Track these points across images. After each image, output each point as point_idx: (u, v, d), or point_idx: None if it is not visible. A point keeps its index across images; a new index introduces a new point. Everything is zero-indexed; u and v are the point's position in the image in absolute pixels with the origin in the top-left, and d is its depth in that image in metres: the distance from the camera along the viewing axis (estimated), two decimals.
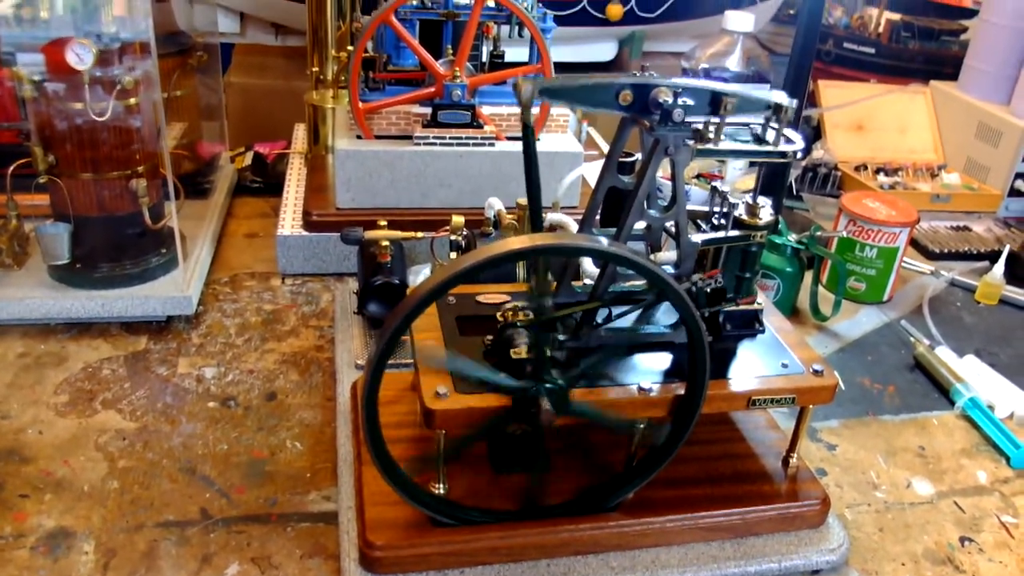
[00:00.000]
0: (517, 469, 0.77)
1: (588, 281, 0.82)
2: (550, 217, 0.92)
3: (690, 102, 0.69)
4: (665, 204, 0.74)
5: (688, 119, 0.69)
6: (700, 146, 0.71)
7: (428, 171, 1.16)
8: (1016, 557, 0.79)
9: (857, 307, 1.22)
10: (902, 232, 1.18)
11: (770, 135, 0.75)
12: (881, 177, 1.60)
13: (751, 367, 0.76)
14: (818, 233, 1.12)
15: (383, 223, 1.02)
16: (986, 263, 1.37)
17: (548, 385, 0.66)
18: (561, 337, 0.74)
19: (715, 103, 0.71)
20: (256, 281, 1.16)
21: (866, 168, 1.62)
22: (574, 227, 0.93)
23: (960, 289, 1.30)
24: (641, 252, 0.76)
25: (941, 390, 1.03)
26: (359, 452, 0.79)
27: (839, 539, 0.77)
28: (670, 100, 0.68)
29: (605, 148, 1.59)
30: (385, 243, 1.00)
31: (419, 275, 1.10)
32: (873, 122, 1.72)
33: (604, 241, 0.62)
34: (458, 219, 0.97)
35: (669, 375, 0.73)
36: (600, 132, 1.66)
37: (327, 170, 1.30)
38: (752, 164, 1.56)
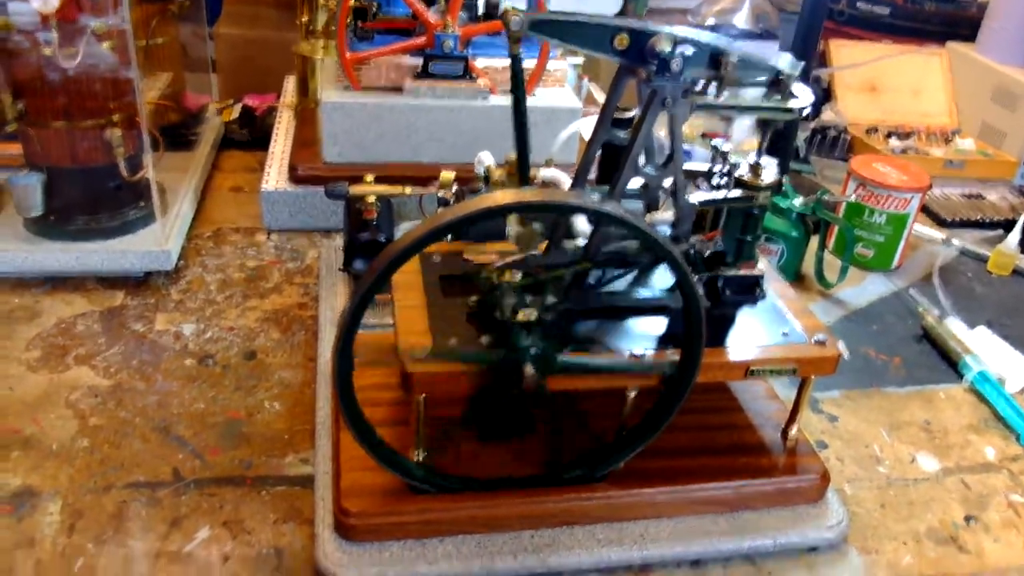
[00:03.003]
0: (503, 436, 0.73)
1: (582, 241, 0.78)
2: (543, 173, 0.87)
3: (689, 52, 0.64)
4: (663, 161, 0.70)
5: (688, 73, 0.64)
6: (699, 100, 0.66)
7: (418, 125, 1.12)
8: (1022, 537, 0.76)
9: (864, 274, 1.17)
10: (913, 198, 1.13)
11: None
12: (893, 141, 1.54)
13: (750, 335, 0.72)
14: (825, 197, 1.07)
15: (370, 178, 0.97)
16: (999, 232, 1.32)
17: (532, 350, 0.62)
18: (551, 299, 0.70)
19: (715, 61, 0.66)
20: (240, 236, 1.12)
21: (877, 131, 1.56)
22: (567, 184, 0.88)
23: (971, 259, 1.25)
24: (635, 211, 0.72)
25: (949, 362, 0.99)
26: (338, 415, 0.76)
27: (838, 516, 0.73)
28: (668, 49, 0.63)
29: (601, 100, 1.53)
30: (371, 199, 0.96)
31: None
32: (886, 84, 1.66)
33: (593, 198, 0.57)
34: (447, 174, 0.93)
35: (663, 341, 0.69)
36: (602, 87, 1.60)
37: (316, 124, 1.25)
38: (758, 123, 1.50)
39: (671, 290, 0.73)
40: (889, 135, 1.56)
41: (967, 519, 0.78)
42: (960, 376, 0.97)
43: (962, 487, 0.81)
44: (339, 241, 1.10)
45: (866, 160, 1.19)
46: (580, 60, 1.42)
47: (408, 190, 0.98)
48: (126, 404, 0.80)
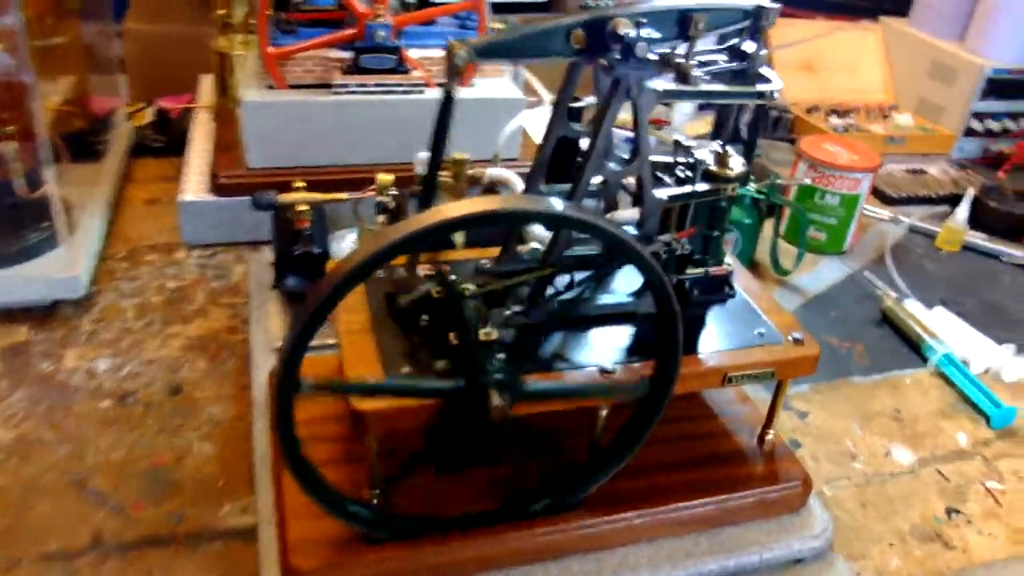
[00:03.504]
0: (464, 466, 0.67)
1: (536, 245, 0.72)
2: (490, 172, 0.81)
3: (655, 34, 0.58)
4: (626, 156, 0.64)
5: (653, 53, 0.59)
6: (668, 86, 0.61)
7: (350, 123, 1.04)
8: (1005, 528, 0.74)
9: (817, 258, 1.14)
10: (865, 178, 1.10)
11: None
12: (833, 119, 1.52)
13: (723, 338, 0.67)
14: (778, 181, 1.04)
15: (300, 184, 0.89)
16: (945, 208, 1.31)
17: (497, 376, 0.56)
18: (509, 312, 0.64)
19: (683, 23, 0.60)
20: (158, 254, 1.02)
21: (818, 110, 1.54)
22: (519, 183, 0.82)
23: (920, 236, 1.24)
24: (599, 213, 0.66)
25: (911, 346, 0.97)
26: (277, 461, 0.68)
27: (822, 523, 0.69)
28: (632, 32, 0.57)
29: (544, 93, 1.47)
30: (303, 207, 0.88)
31: (343, 242, 0.98)
32: (822, 62, 1.64)
33: (558, 204, 0.51)
34: (385, 177, 0.85)
35: (632, 352, 0.64)
36: (538, 75, 1.54)
37: (237, 126, 1.15)
38: (702, 108, 1.47)
39: (637, 294, 0.68)
40: (829, 113, 1.54)
41: (948, 512, 0.75)
42: (924, 360, 0.94)
43: (939, 478, 0.79)
44: (269, 255, 1.01)
45: (815, 141, 1.16)
46: None
47: (343, 196, 0.91)
48: (33, 459, 0.71)
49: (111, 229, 1.06)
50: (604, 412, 0.63)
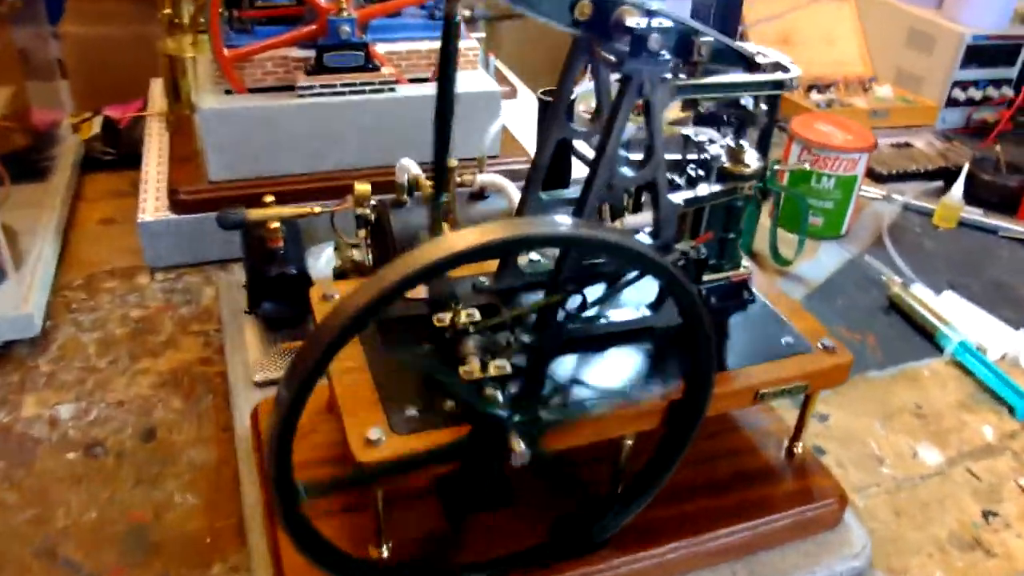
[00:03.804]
0: (475, 512, 0.61)
1: (536, 257, 0.66)
2: (481, 179, 0.75)
3: (667, 22, 0.52)
4: (634, 157, 0.58)
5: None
6: (683, 82, 0.55)
7: (318, 128, 0.96)
8: None
9: (815, 245, 1.10)
10: (861, 158, 1.06)
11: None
12: (814, 95, 1.48)
13: (748, 350, 0.62)
14: (776, 167, 0.99)
15: (270, 198, 0.82)
16: (937, 183, 1.28)
17: (516, 417, 0.50)
18: (516, 340, 0.58)
19: (685, 43, 0.55)
20: (118, 280, 0.94)
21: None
22: (512, 190, 0.76)
23: (916, 214, 1.21)
24: (626, 232, 0.60)
25: (922, 333, 0.93)
26: (270, 512, 0.62)
27: (861, 539, 0.65)
28: (642, 24, 0.51)
29: (517, 83, 1.40)
30: (275, 224, 0.81)
31: (319, 258, 0.91)
32: (798, 35, 1.59)
33: (591, 227, 0.45)
34: (363, 187, 0.79)
35: (655, 373, 0.58)
36: (511, 64, 1.47)
37: (194, 135, 1.07)
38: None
39: (654, 307, 0.62)
40: (809, 88, 1.50)
41: (985, 515, 0.71)
42: (939, 349, 0.91)
43: (970, 478, 0.75)
44: (239, 274, 0.94)
45: (805, 120, 1.11)
46: (484, 34, 1.29)
47: (317, 209, 0.84)
48: None
49: (64, 255, 0.97)
50: (630, 441, 0.58)
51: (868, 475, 0.74)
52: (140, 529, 0.64)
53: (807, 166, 1.04)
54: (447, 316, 0.57)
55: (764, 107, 0.64)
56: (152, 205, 0.96)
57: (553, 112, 0.60)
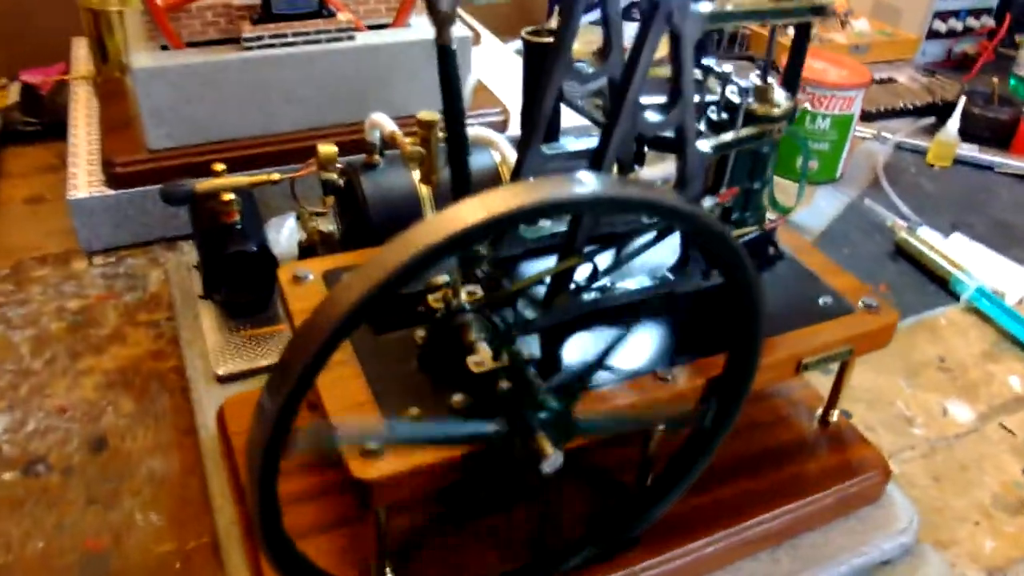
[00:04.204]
0: (488, 513, 0.54)
1: (543, 224, 0.58)
2: (469, 132, 0.65)
3: None
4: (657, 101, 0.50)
5: None
6: (713, 7, 0.47)
7: (269, 84, 0.86)
8: None
9: (811, 190, 1.04)
10: (857, 95, 0.99)
11: None
12: (791, 30, 1.40)
13: (784, 314, 0.55)
14: None
15: (220, 167, 0.72)
16: (927, 120, 1.23)
17: (543, 413, 0.42)
18: (525, 317, 0.50)
19: None
20: (50, 268, 0.83)
21: None
22: (504, 144, 0.67)
23: (909, 153, 1.15)
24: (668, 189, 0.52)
25: (935, 279, 0.88)
26: (249, 527, 0.53)
27: (907, 512, 0.59)
28: None
29: (482, 31, 1.30)
30: (228, 196, 0.71)
31: (280, 231, 0.81)
32: None
33: (636, 186, 0.37)
34: (328, 148, 0.69)
35: (686, 347, 0.51)
36: (473, 12, 1.36)
37: (128, 99, 0.96)
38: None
39: (676, 269, 0.55)
40: (786, 25, 1.42)
41: None
42: (954, 296, 0.85)
43: (1005, 434, 0.70)
44: (189, 253, 0.84)
45: None
46: None
47: (275, 176, 0.74)
48: None
49: None
50: (662, 426, 0.50)
51: (900, 438, 0.69)
52: (97, 558, 0.55)
53: (807, 105, 0.97)
54: (442, 295, 0.48)
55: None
56: (84, 180, 0.85)
57: (556, 54, 0.51)
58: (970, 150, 1.13)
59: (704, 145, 0.51)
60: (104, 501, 0.59)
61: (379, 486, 0.41)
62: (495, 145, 0.66)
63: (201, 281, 0.73)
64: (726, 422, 0.49)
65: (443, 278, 0.49)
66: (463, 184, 0.49)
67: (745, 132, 0.54)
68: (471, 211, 0.33)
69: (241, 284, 0.71)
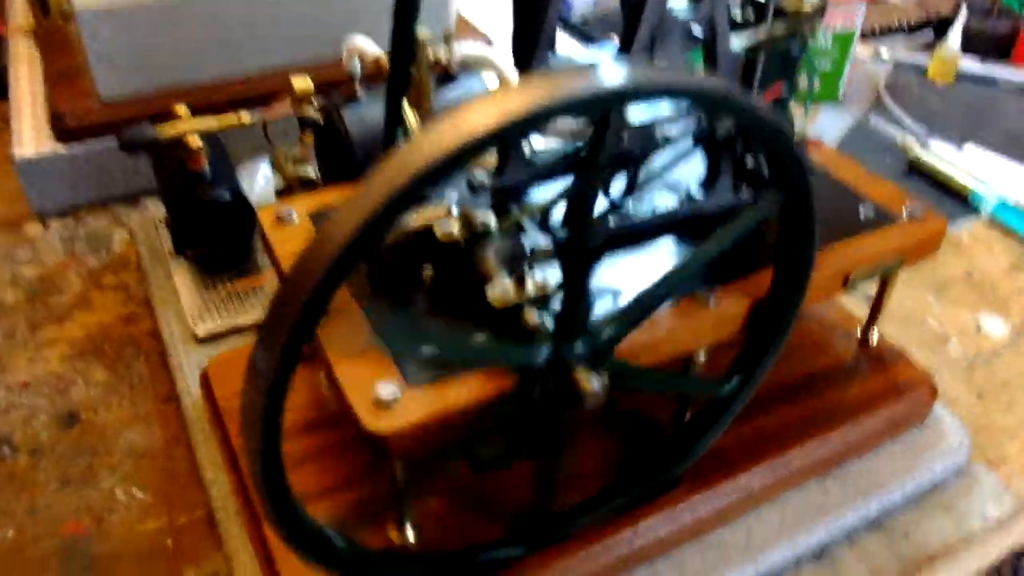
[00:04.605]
0: (506, 462, 0.48)
1: (552, 143, 0.52)
2: (461, 51, 0.59)
3: None
4: None
5: None
6: None
7: (229, 19, 0.78)
8: None
9: (813, 110, 0.98)
10: (859, 9, 0.94)
11: None
12: None
13: (824, 228, 0.49)
14: None
15: (182, 109, 0.65)
16: (923, 37, 1.17)
17: (584, 344, 0.37)
18: (547, 243, 0.44)
19: None
20: (2, 235, 0.76)
21: None
22: (502, 64, 0.61)
23: (909, 70, 1.10)
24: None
25: (953, 195, 0.83)
26: (247, 497, 0.48)
27: (957, 432, 0.55)
28: None
29: None
30: (194, 141, 0.64)
31: (254, 178, 0.74)
32: None
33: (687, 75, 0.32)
34: (303, 82, 0.63)
35: (724, 268, 0.46)
36: None
37: (73, 47, 0.87)
38: None
39: (706, 186, 0.49)
40: None
41: None
42: (974, 210, 0.81)
43: None
44: (156, 208, 0.77)
45: None
46: None
47: (246, 117, 0.67)
48: None
49: None
50: (703, 357, 0.45)
51: (938, 357, 0.64)
52: (78, 542, 0.50)
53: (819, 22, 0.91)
54: (453, 224, 0.42)
55: None
56: (30, 137, 0.77)
57: None
58: (971, 65, 1.08)
59: (734, 43, 0.46)
60: (80, 480, 0.53)
61: (396, 439, 0.36)
62: (493, 65, 0.59)
63: (171, 237, 0.67)
64: (776, 342, 0.44)
65: (450, 206, 0.43)
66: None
67: (777, 29, 0.48)
68: (484, 113, 0.28)
69: (215, 236, 0.65)
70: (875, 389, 0.54)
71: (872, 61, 1.11)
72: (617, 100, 0.30)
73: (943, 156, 0.85)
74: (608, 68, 0.30)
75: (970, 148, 0.88)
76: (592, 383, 0.36)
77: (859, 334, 0.58)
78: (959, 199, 0.82)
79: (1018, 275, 0.73)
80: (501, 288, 0.39)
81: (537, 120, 0.29)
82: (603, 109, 0.33)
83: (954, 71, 1.06)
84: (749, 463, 0.49)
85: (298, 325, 0.29)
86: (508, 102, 0.28)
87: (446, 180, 0.29)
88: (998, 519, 0.52)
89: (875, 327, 0.57)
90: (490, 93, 0.29)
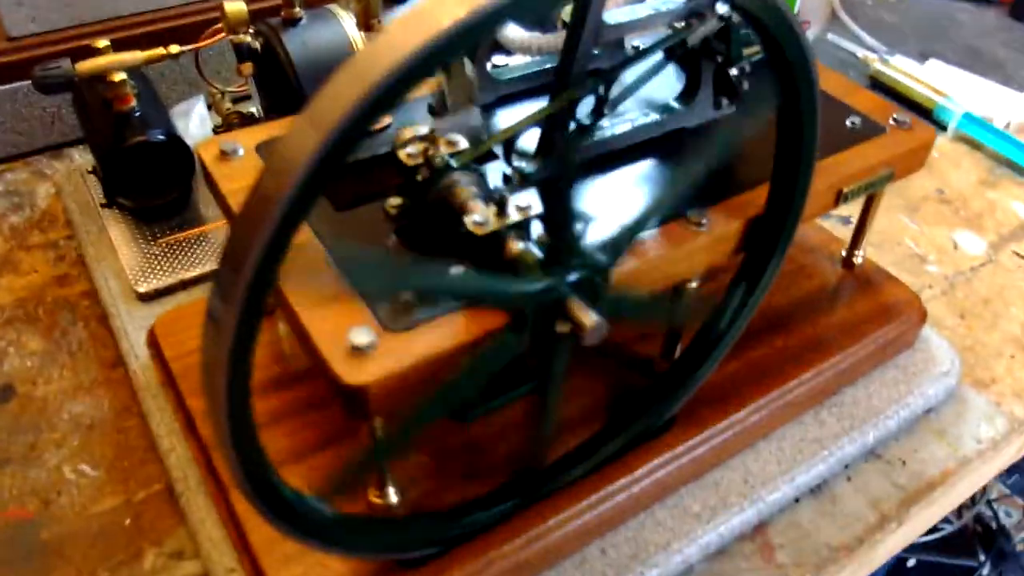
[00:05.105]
0: (492, 408, 0.45)
1: (515, 60, 0.48)
2: None
3: None
4: None
5: None
6: None
7: None
8: None
9: None
10: None
11: None
12: None
13: None
14: None
15: (103, 43, 0.59)
16: None
17: (577, 272, 0.33)
18: (523, 167, 0.40)
19: None
20: None
21: None
22: None
23: None
24: None
25: (916, 109, 0.81)
26: (210, 465, 0.44)
27: (946, 353, 0.54)
28: None
29: None
30: (119, 76, 0.58)
31: (190, 117, 0.68)
32: None
33: None
34: (235, 5, 0.57)
35: (713, 187, 0.42)
36: None
37: None
38: None
39: (685, 99, 0.46)
40: None
41: None
42: (939, 125, 0.79)
43: (1020, 261, 0.65)
44: (84, 158, 0.70)
45: None
46: None
47: (174, 48, 0.61)
48: None
49: None
50: (695, 283, 0.43)
51: (917, 278, 0.63)
52: (24, 527, 0.45)
53: None
54: (418, 149, 0.38)
55: None
56: None
57: None
58: None
59: None
60: (21, 460, 0.48)
61: (375, 391, 0.32)
62: None
63: (101, 187, 0.61)
64: (771, 265, 0.41)
65: (415, 130, 0.39)
66: None
67: None
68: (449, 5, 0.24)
69: (150, 183, 0.59)
70: (864, 313, 0.52)
71: None
72: None
73: (906, 71, 0.83)
74: None
75: (933, 63, 0.86)
76: (590, 315, 0.32)
77: (844, 256, 0.55)
78: (923, 114, 0.80)
79: (988, 190, 0.72)
80: (481, 214, 0.35)
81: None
82: None
83: None
84: (745, 398, 0.47)
85: (258, 271, 0.24)
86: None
87: (413, 86, 0.25)
88: (992, 440, 0.51)
89: (859, 248, 0.55)
90: None
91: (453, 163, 0.37)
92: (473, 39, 0.25)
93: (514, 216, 0.35)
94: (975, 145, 0.77)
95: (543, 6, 0.28)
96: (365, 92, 0.24)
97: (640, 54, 0.42)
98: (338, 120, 0.23)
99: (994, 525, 0.98)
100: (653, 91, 0.46)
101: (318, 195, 0.24)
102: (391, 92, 0.24)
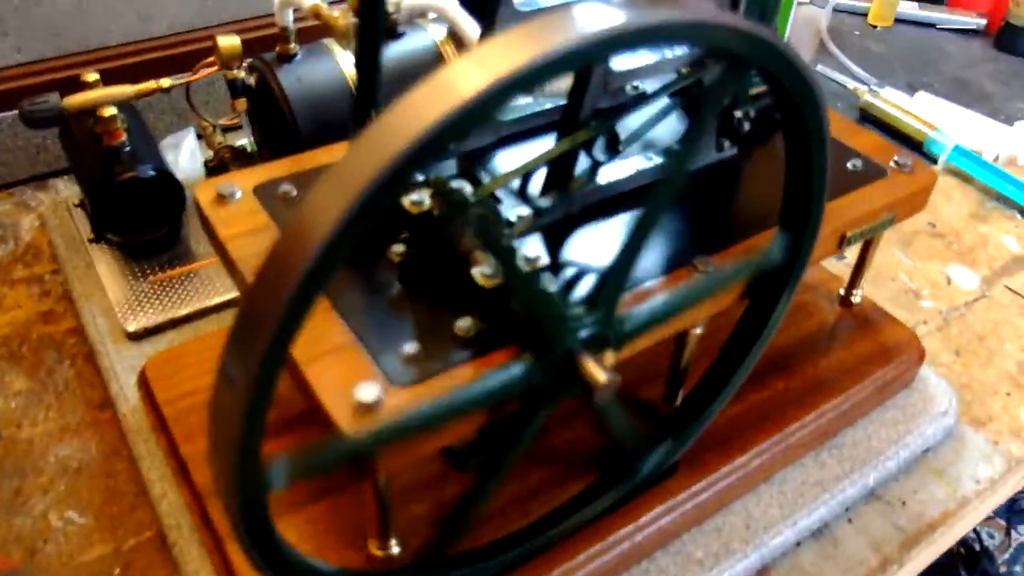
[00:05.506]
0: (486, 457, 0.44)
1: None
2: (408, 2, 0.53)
3: None
4: None
5: None
6: None
7: None
8: None
9: None
10: None
11: None
12: None
13: None
14: None
15: (92, 76, 0.58)
16: None
17: (585, 330, 0.33)
18: (528, 209, 0.40)
19: None
20: None
21: None
22: (457, 12, 0.55)
23: (848, 15, 1.08)
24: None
25: (906, 142, 0.82)
26: (204, 514, 0.43)
27: (944, 392, 0.54)
28: None
29: None
30: (109, 111, 0.56)
31: (180, 151, 0.67)
32: None
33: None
34: (229, 40, 0.56)
35: (718, 232, 0.42)
36: None
37: None
38: None
39: (687, 142, 0.46)
40: None
41: None
42: (929, 157, 0.80)
43: (1014, 296, 0.66)
44: (68, 190, 0.69)
45: None
46: None
47: (165, 82, 0.60)
48: None
49: None
50: (698, 330, 0.42)
51: (912, 314, 0.63)
52: None
53: None
54: (424, 196, 0.37)
55: None
56: None
57: None
58: (909, 7, 1.07)
59: None
60: (5, 506, 0.47)
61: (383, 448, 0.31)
62: (446, 15, 0.54)
63: (89, 221, 0.60)
64: (776, 311, 0.41)
65: (417, 176, 0.38)
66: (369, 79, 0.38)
67: None
68: (475, 73, 0.23)
69: (140, 219, 0.58)
70: (864, 353, 0.52)
71: (811, 6, 1.09)
72: (620, 43, 0.26)
73: (896, 103, 0.84)
74: (599, 9, 0.25)
75: (922, 95, 0.87)
76: (602, 373, 0.32)
77: (842, 295, 0.55)
78: (913, 147, 0.81)
79: (980, 223, 0.73)
80: (487, 268, 0.34)
81: (528, 80, 0.24)
82: (608, 53, 0.28)
83: (893, 14, 1.05)
84: (747, 442, 0.46)
85: (279, 333, 0.24)
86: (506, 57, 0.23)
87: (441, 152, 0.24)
88: (990, 479, 0.51)
89: (858, 288, 0.55)
90: (470, 56, 0.24)
91: (471, 198, 0.37)
92: (494, 108, 0.24)
93: (523, 268, 0.35)
94: (965, 178, 0.78)
95: (570, 67, 0.28)
96: (395, 157, 0.23)
97: (646, 97, 0.41)
98: (363, 189, 0.23)
99: (977, 547, 0.98)
100: (655, 134, 0.46)
101: (343, 257, 0.24)
102: (427, 152, 0.23)
